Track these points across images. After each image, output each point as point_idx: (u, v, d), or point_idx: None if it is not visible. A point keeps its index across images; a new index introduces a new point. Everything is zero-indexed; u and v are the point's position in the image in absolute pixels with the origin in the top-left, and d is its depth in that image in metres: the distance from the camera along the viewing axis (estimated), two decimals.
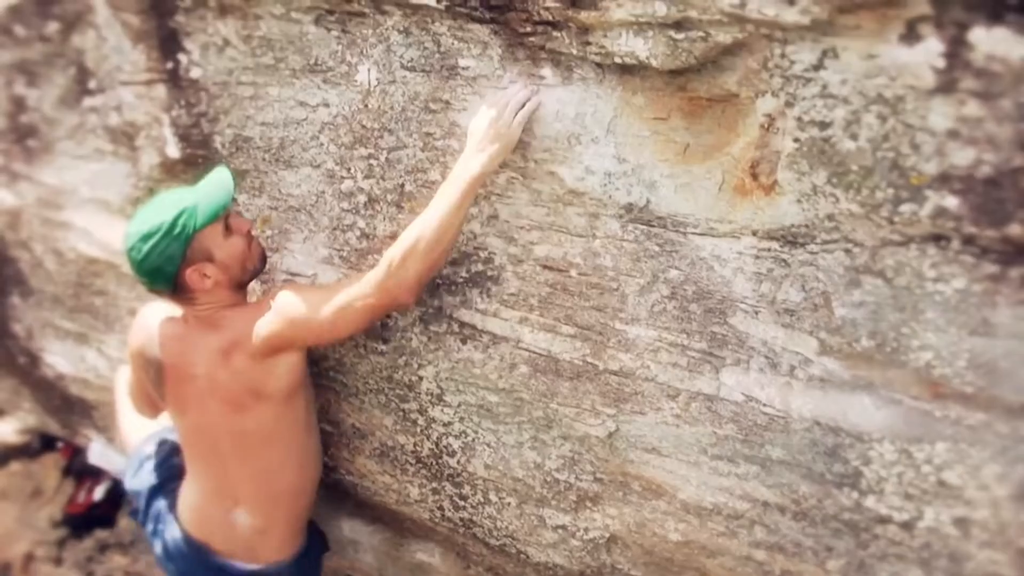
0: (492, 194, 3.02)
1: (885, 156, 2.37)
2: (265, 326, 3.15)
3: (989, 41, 2.17)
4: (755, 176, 2.57)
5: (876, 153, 2.38)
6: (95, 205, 4.26)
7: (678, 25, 2.52)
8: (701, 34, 2.50)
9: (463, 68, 2.94)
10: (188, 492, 3.62)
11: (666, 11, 2.51)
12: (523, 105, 2.82)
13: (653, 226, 2.77)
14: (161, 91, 3.78)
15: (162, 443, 3.92)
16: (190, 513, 3.61)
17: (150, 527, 3.75)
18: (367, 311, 3.03)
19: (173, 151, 3.83)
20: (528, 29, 2.75)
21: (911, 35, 2.26)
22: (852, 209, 2.45)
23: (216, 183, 3.16)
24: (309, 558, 3.80)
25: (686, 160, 2.67)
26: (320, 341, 3.26)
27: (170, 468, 3.83)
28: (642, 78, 2.67)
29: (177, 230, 3.08)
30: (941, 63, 2.24)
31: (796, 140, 2.48)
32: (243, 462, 3.41)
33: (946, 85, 2.25)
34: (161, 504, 3.73)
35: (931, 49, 2.25)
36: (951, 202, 2.31)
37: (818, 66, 2.40)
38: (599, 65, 2.70)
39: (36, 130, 4.37)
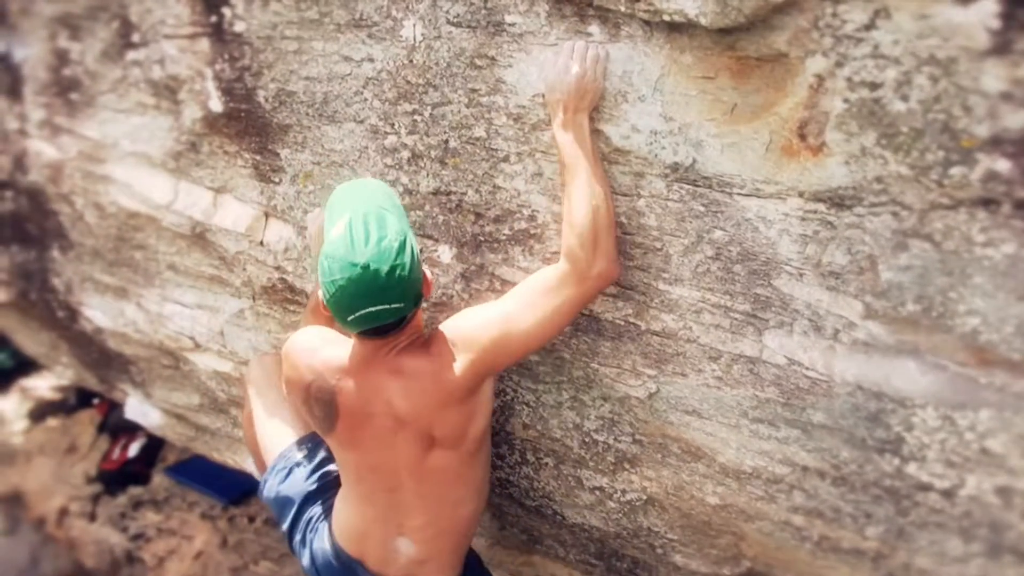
0: (536, 151, 3.01)
1: (936, 118, 2.34)
2: (466, 359, 2.94)
3: None
4: (803, 137, 2.55)
5: (927, 115, 2.35)
6: (136, 159, 4.27)
7: None
8: None
9: (509, 24, 2.92)
10: (346, 511, 3.35)
11: None
12: (596, 58, 2.80)
13: (699, 186, 2.76)
14: (204, 45, 3.78)
15: (312, 448, 3.64)
16: (347, 530, 3.33)
17: (299, 536, 3.53)
18: (580, 302, 2.91)
19: (216, 105, 3.83)
20: None
21: None
22: (901, 171, 2.42)
23: (370, 188, 3.03)
24: None
25: (733, 120, 2.65)
26: (526, 353, 3.07)
27: (326, 476, 3.54)
28: (690, 36, 2.65)
29: (407, 230, 2.89)
30: (996, 24, 2.21)
31: (846, 101, 2.45)
32: (420, 496, 3.16)
33: (1000, 46, 2.22)
34: (316, 511, 3.49)
35: (986, 9, 2.22)
36: (1002, 165, 2.29)
37: (870, 26, 2.37)
38: (647, 23, 2.69)
39: (79, 83, 4.38)
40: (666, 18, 2.62)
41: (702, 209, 2.77)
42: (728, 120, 2.66)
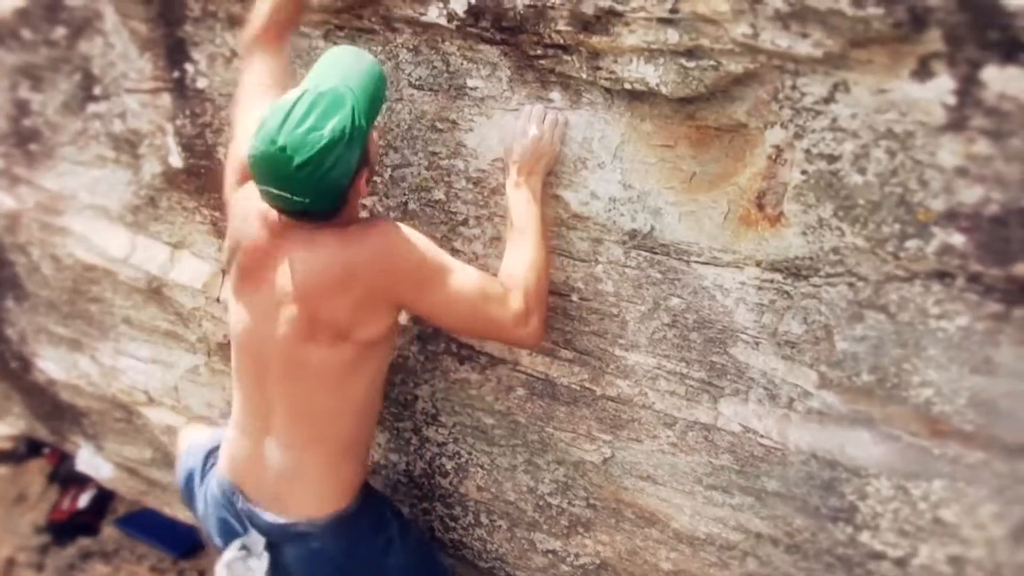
0: (495, 215, 3.02)
1: (893, 191, 2.37)
2: (379, 265, 2.77)
3: (1001, 80, 2.17)
4: (761, 207, 2.57)
5: (884, 188, 2.38)
6: (94, 212, 4.25)
7: (689, 53, 2.52)
8: (712, 63, 2.50)
9: (471, 88, 2.94)
10: (230, 425, 3.16)
11: (678, 39, 2.51)
12: (555, 122, 2.82)
13: (656, 253, 2.77)
14: (166, 100, 3.78)
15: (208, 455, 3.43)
16: (227, 448, 3.16)
17: (201, 486, 3.36)
18: (494, 332, 2.88)
19: (176, 161, 3.82)
20: (539, 52, 2.75)
21: (923, 71, 2.27)
22: (857, 243, 2.45)
23: (360, 70, 2.80)
24: (359, 529, 3.15)
25: (692, 189, 2.67)
26: (422, 311, 2.91)
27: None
28: (651, 105, 2.67)
29: (356, 133, 2.68)
30: (952, 100, 2.25)
31: (804, 172, 2.48)
32: (287, 392, 2.94)
33: (956, 122, 2.25)
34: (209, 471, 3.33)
35: (943, 86, 2.25)
36: (957, 239, 2.31)
37: (829, 99, 2.40)
38: (608, 90, 2.70)
39: (39, 134, 4.36)
40: (627, 86, 2.65)
41: (659, 276, 2.78)
42: (687, 189, 2.68)
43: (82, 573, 5.89)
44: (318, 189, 2.66)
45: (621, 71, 2.63)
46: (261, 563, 3.06)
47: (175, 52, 3.69)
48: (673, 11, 2.49)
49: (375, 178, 3.22)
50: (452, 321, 2.92)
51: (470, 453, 3.39)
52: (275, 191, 2.66)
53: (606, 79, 2.67)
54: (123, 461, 5.14)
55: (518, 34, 2.77)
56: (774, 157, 2.52)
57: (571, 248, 2.90)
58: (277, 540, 3.07)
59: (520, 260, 2.79)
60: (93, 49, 3.98)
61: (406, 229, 2.82)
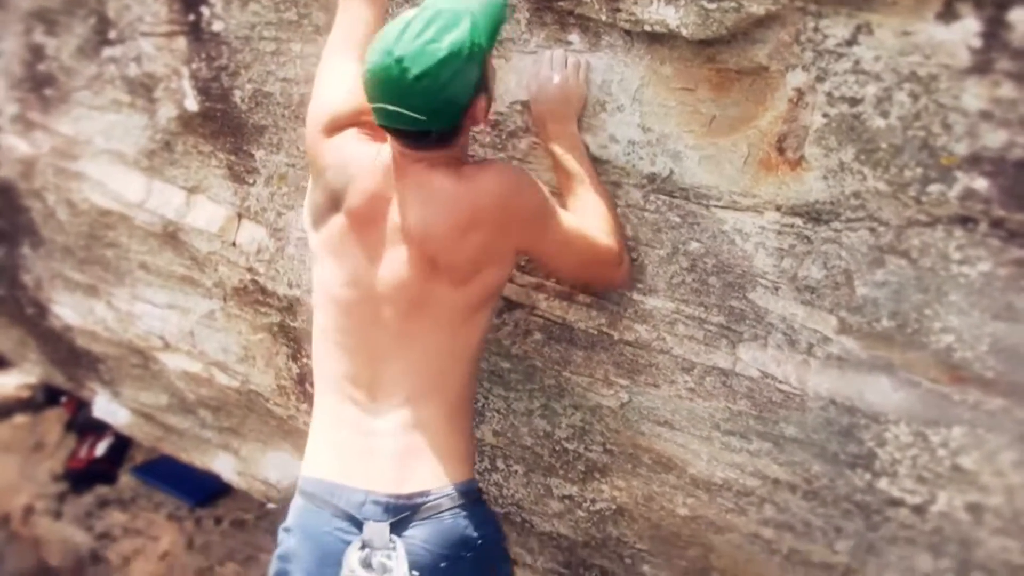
0: (513, 159, 3.00)
1: (916, 135, 2.34)
2: (515, 215, 2.68)
3: None
4: (781, 151, 2.55)
5: (906, 132, 2.35)
6: (110, 156, 4.24)
7: None
8: (734, 4, 2.48)
9: None
10: (318, 413, 2.89)
11: None
12: (577, 65, 2.79)
13: (675, 197, 2.75)
14: (182, 43, 3.76)
15: None
16: (319, 440, 2.87)
17: None
18: (599, 277, 2.87)
19: (191, 104, 3.81)
20: (577, 7, 2.73)
21: (948, 13, 2.24)
22: (879, 187, 2.43)
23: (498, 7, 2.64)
24: (485, 508, 2.92)
25: (712, 132, 2.65)
26: (549, 262, 2.88)
27: None
28: (671, 47, 2.65)
29: (475, 49, 2.52)
30: (977, 43, 2.22)
31: (825, 115, 2.45)
32: (404, 332, 2.75)
33: (981, 65, 2.23)
34: None
35: (968, 28, 2.22)
36: (981, 184, 2.29)
37: (851, 41, 2.38)
38: (627, 32, 2.68)
39: (53, 79, 4.36)
40: (647, 28, 2.62)
41: (678, 220, 2.77)
42: (707, 132, 2.66)
43: (99, 521, 5.94)
44: (435, 105, 2.52)
45: (641, 13, 2.61)
46: (397, 552, 2.65)
47: None
48: None
49: None
50: (566, 262, 2.84)
51: (486, 398, 3.38)
52: (391, 107, 2.52)
53: (626, 21, 2.65)
54: (140, 407, 5.15)
55: None
56: (795, 100, 2.50)
57: None
58: (401, 522, 2.69)
59: (591, 208, 2.78)
60: None
61: (523, 170, 2.82)
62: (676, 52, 2.65)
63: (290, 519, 2.81)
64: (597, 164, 2.84)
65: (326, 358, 2.87)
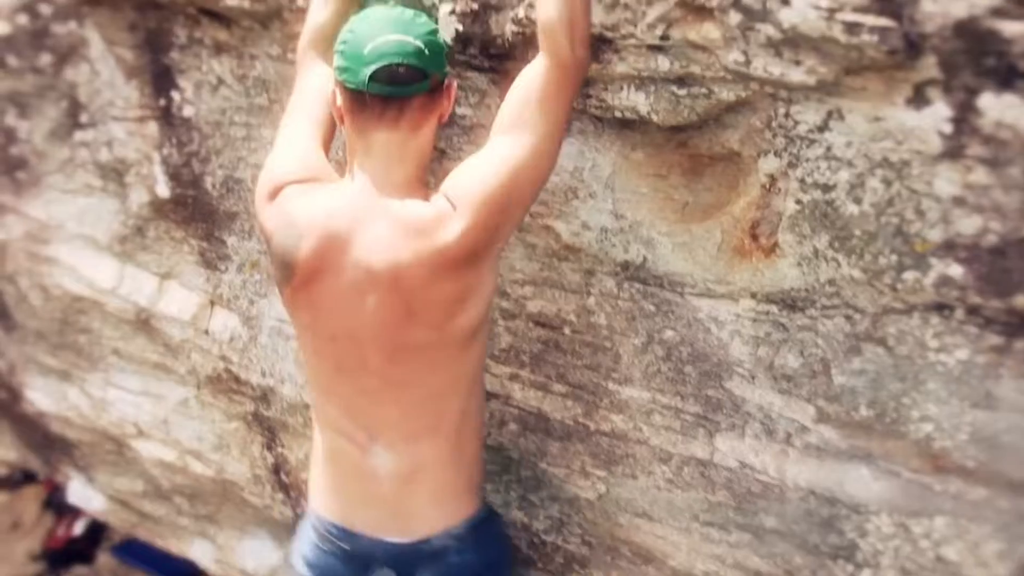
0: None
1: (889, 221, 2.32)
2: (470, 215, 2.47)
3: (998, 107, 2.13)
4: (755, 237, 2.53)
5: (880, 218, 2.33)
6: (82, 241, 4.21)
7: (681, 81, 2.48)
8: (704, 91, 2.46)
9: (460, 117, 2.90)
10: (317, 453, 2.85)
11: (669, 66, 2.47)
12: None
13: (649, 285, 2.73)
14: (153, 128, 3.74)
15: None
16: (320, 482, 2.84)
17: None
18: (571, 99, 2.54)
19: (163, 190, 3.78)
20: None
21: (919, 99, 2.22)
22: (854, 275, 2.40)
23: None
24: (496, 535, 2.94)
25: (685, 218, 2.64)
26: (539, 187, 2.59)
27: None
28: (642, 133, 2.63)
29: (439, 28, 2.63)
30: (948, 128, 2.20)
31: (798, 202, 2.43)
32: (391, 380, 2.65)
33: (953, 151, 2.21)
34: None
35: (939, 114, 2.20)
36: (956, 271, 2.27)
37: (823, 127, 2.36)
38: (598, 119, 2.67)
39: (25, 162, 4.33)
40: (617, 114, 2.61)
41: (653, 309, 2.75)
42: (680, 218, 2.65)
43: None
44: (432, 40, 2.54)
45: (611, 99, 2.59)
46: None
47: (161, 80, 3.65)
48: (664, 38, 2.45)
49: None
50: (554, 151, 2.57)
51: None
52: (392, 37, 2.49)
53: (596, 107, 2.63)
54: (115, 493, 5.10)
55: (506, 61, 2.73)
56: (768, 186, 2.49)
57: (563, 280, 2.87)
58: (407, 568, 2.74)
59: None
60: (79, 76, 3.95)
61: (478, 167, 2.57)
62: (647, 137, 2.63)
63: (305, 550, 2.87)
64: (570, 251, 2.82)
65: (321, 401, 2.84)
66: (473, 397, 2.78)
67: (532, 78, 2.51)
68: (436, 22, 2.69)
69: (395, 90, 2.50)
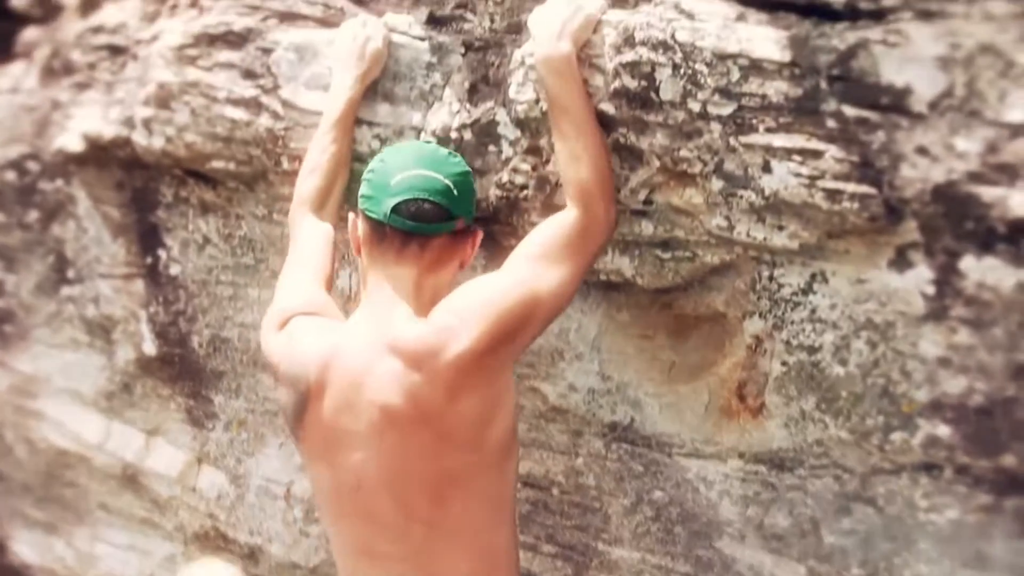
0: None
1: (875, 382, 2.33)
2: (478, 327, 2.33)
3: (980, 269, 2.15)
4: (742, 398, 2.54)
5: (866, 379, 2.34)
6: (68, 396, 4.21)
7: (665, 244, 2.51)
8: (688, 254, 2.49)
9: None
10: None
11: (653, 230, 2.51)
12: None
13: (638, 446, 2.73)
14: (139, 286, 3.75)
15: None
16: None
17: None
18: (596, 255, 2.52)
19: (150, 348, 3.78)
20: (513, 242, 2.72)
21: (901, 261, 2.25)
22: (842, 436, 2.40)
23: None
24: None
25: (672, 379, 2.65)
26: (551, 319, 2.50)
27: None
28: (627, 294, 2.65)
29: (471, 171, 2.54)
30: (931, 290, 2.22)
31: (784, 364, 2.44)
32: (438, 528, 2.43)
33: (937, 312, 2.23)
34: None
35: (921, 276, 2.23)
36: (943, 431, 2.27)
37: (807, 290, 2.39)
38: (584, 280, 2.68)
39: (12, 315, 4.33)
40: (603, 277, 2.63)
41: (641, 469, 2.74)
42: (666, 379, 2.66)
43: None
44: (463, 183, 2.46)
45: (596, 263, 2.60)
46: None
47: (148, 237, 3.67)
48: (647, 203, 2.49)
49: None
50: (570, 294, 2.49)
51: None
52: (421, 172, 2.41)
53: None
54: None
55: (491, 224, 2.76)
56: (754, 347, 2.50)
57: (551, 441, 2.87)
58: None
59: (575, 148, 2.50)
60: (66, 233, 3.97)
61: (488, 286, 2.48)
62: (633, 298, 2.65)
63: None
64: (557, 413, 2.83)
65: (350, 567, 2.56)
66: (514, 523, 2.58)
67: (562, 223, 2.47)
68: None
69: (417, 226, 2.40)
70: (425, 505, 2.40)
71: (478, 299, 2.39)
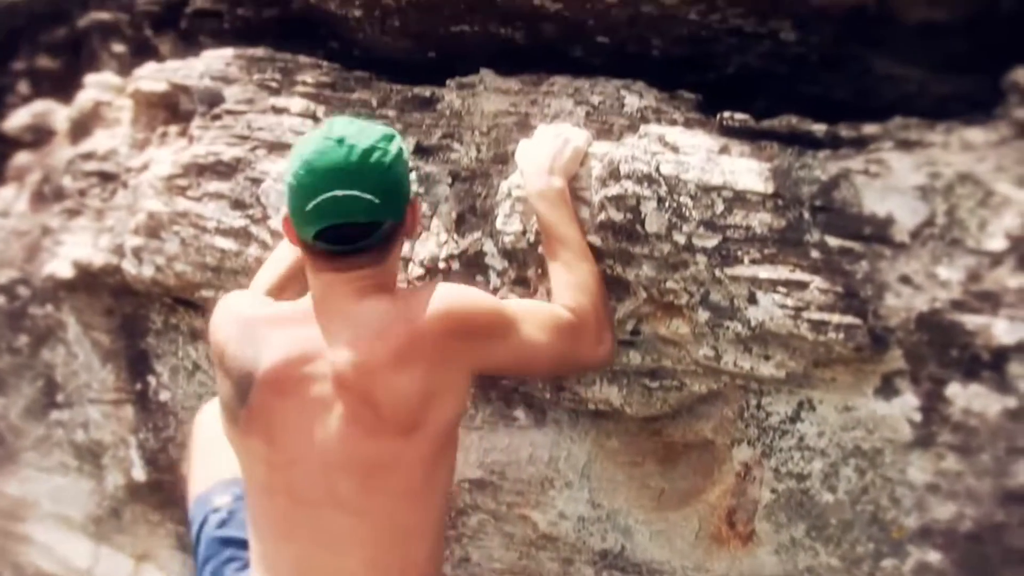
0: (463, 536, 2.97)
1: (865, 509, 2.33)
2: (443, 322, 2.31)
3: (965, 396, 2.17)
4: (732, 525, 2.54)
5: (855, 506, 2.34)
6: (57, 520, 4.19)
7: (652, 373, 2.53)
8: (676, 383, 2.51)
9: None
10: None
11: (640, 360, 2.52)
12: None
13: (628, 573, 2.72)
14: (129, 412, 3.76)
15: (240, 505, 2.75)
16: None
17: None
18: (569, 365, 2.51)
19: (139, 474, 3.78)
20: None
21: (887, 389, 2.27)
22: (832, 563, 2.40)
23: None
24: None
25: (661, 506, 2.64)
26: (505, 367, 2.53)
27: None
28: (616, 421, 2.66)
29: (397, 154, 2.40)
30: (918, 417, 2.23)
31: (773, 491, 2.45)
32: (357, 512, 2.37)
33: (924, 439, 2.24)
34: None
35: (908, 403, 2.24)
36: (934, 557, 2.26)
37: (795, 418, 2.40)
38: (573, 410, 2.69)
39: (1, 439, 4.33)
40: (591, 406, 2.64)
41: None
42: (656, 506, 2.65)
43: None
44: (386, 184, 2.34)
45: (585, 392, 2.63)
46: None
47: (138, 364, 3.68)
48: (634, 333, 2.51)
49: None
50: (534, 364, 2.50)
51: None
52: (339, 193, 2.28)
53: (570, 400, 2.67)
54: None
55: None
56: (743, 474, 2.50)
57: (541, 569, 2.85)
58: None
59: (573, 276, 2.49)
60: (56, 357, 3.98)
61: (464, 286, 2.55)
62: (622, 426, 2.66)
63: None
64: (547, 541, 2.81)
65: (269, 550, 2.49)
66: (439, 541, 2.53)
67: (556, 311, 2.45)
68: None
69: (344, 248, 2.36)
70: (352, 490, 2.36)
71: (450, 291, 2.41)
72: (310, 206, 2.30)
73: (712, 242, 2.37)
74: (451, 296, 2.38)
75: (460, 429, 2.59)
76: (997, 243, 2.13)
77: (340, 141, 2.30)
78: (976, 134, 2.21)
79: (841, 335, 2.23)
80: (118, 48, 4.29)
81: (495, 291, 2.72)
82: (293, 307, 2.49)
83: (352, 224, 2.33)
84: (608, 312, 2.52)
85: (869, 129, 2.33)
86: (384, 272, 2.43)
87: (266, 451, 2.43)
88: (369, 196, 2.30)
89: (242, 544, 2.64)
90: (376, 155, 2.32)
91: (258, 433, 2.43)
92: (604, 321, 2.49)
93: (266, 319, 2.47)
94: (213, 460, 2.92)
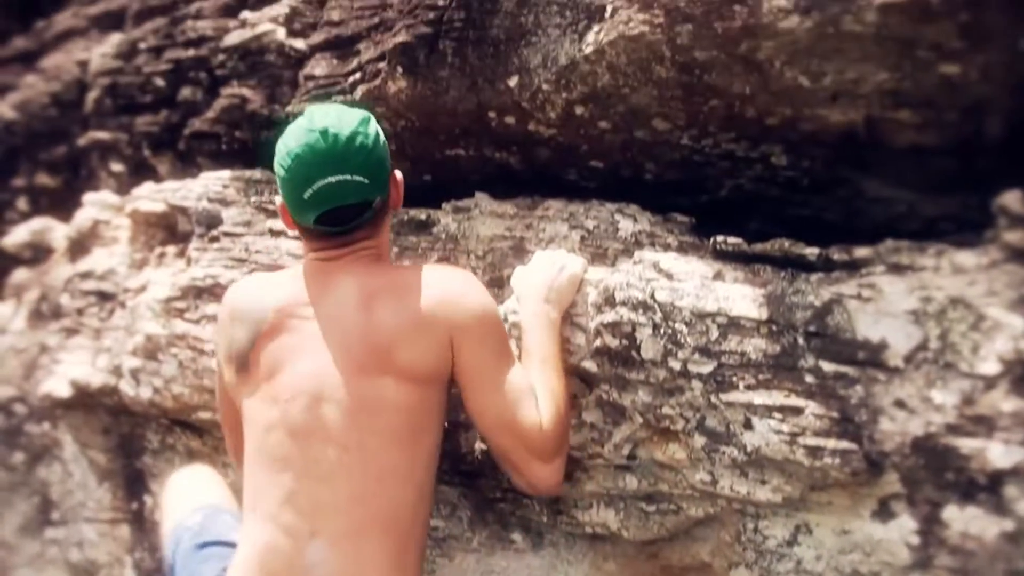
0: None
1: None
2: (476, 325, 2.48)
3: (963, 519, 2.16)
4: None
5: None
6: None
7: (649, 498, 2.53)
8: (673, 507, 2.51)
9: (432, 529, 2.89)
10: (245, 539, 2.53)
11: (637, 484, 2.52)
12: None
13: None
14: (125, 531, 3.75)
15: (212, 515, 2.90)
16: (250, 562, 2.47)
17: None
18: (521, 442, 2.45)
19: None
20: (498, 495, 2.75)
21: (884, 512, 2.26)
22: None
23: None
24: None
25: None
26: (476, 400, 2.50)
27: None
28: (613, 544, 2.66)
29: (373, 133, 2.55)
30: (916, 540, 2.22)
31: None
32: (351, 442, 2.42)
33: (922, 562, 2.22)
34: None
35: (905, 526, 2.23)
36: None
37: (792, 541, 2.39)
38: (569, 532, 2.69)
39: None
40: (588, 530, 2.63)
41: None
42: None
43: None
44: (372, 164, 2.50)
45: (582, 516, 2.63)
46: None
47: (134, 483, 3.68)
48: (631, 457, 2.52)
49: None
50: (491, 403, 2.47)
51: None
52: (332, 179, 2.45)
53: (567, 523, 2.67)
54: None
55: (477, 478, 2.78)
56: None
57: None
58: None
59: (546, 391, 2.49)
60: (52, 475, 3.98)
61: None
62: (619, 549, 2.65)
63: None
64: None
65: (260, 487, 2.53)
66: (423, 505, 2.53)
67: (529, 409, 2.45)
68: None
69: (343, 228, 2.56)
70: (340, 423, 2.44)
71: (497, 320, 2.57)
72: (307, 195, 2.49)
73: (707, 368, 2.38)
74: (463, 277, 2.60)
75: (457, 552, 2.64)
76: (990, 367, 2.13)
77: (324, 132, 2.46)
78: (967, 257, 2.22)
79: (837, 460, 2.23)
80: (117, 167, 4.33)
81: None
82: (298, 269, 2.66)
83: (347, 206, 2.51)
84: (566, 439, 2.51)
85: (861, 252, 2.35)
86: (379, 244, 2.64)
87: (267, 387, 2.54)
88: (359, 178, 2.49)
89: (221, 543, 2.77)
90: (359, 139, 2.49)
91: (263, 368, 2.56)
92: (561, 443, 2.48)
93: (276, 276, 2.75)
94: (182, 501, 3.03)
